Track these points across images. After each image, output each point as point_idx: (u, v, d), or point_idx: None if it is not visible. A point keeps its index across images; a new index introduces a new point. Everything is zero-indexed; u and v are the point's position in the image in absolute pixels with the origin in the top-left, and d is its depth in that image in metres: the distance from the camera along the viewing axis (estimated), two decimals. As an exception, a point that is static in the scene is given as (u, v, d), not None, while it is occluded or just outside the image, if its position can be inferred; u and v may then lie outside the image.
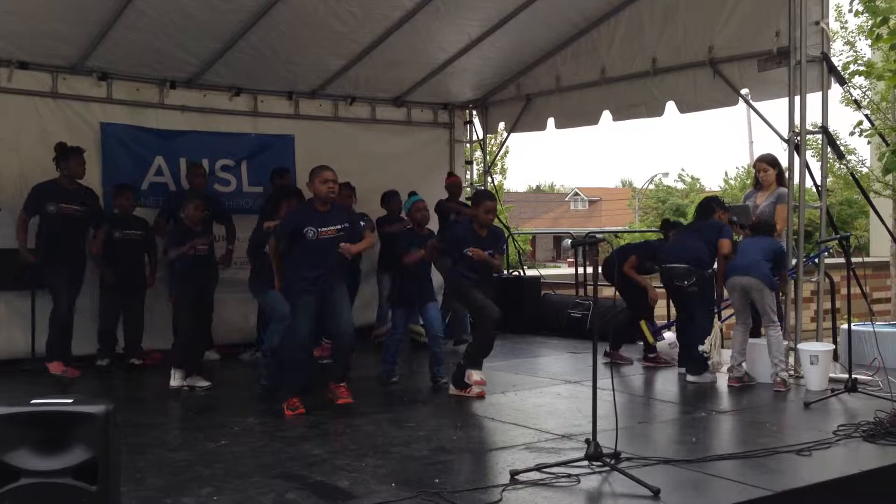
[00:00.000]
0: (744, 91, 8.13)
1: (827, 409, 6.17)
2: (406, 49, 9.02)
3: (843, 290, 10.33)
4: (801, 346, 7.05)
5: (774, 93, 7.88)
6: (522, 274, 11.28)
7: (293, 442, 5.28)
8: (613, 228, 33.82)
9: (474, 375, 6.53)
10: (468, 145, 11.28)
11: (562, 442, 5.27)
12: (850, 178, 4.84)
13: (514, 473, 4.46)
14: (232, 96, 9.28)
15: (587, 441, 4.59)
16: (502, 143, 11.99)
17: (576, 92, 9.64)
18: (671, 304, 8.26)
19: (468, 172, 11.21)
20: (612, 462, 4.53)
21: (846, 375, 6.60)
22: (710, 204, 7.79)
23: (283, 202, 7.09)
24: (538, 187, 67.20)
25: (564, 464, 4.59)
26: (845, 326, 8.00)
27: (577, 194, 50.90)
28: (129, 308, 8.13)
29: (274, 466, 4.71)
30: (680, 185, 43.82)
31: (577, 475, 4.45)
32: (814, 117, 7.57)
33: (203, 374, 7.14)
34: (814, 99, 7.40)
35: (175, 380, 6.98)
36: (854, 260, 8.09)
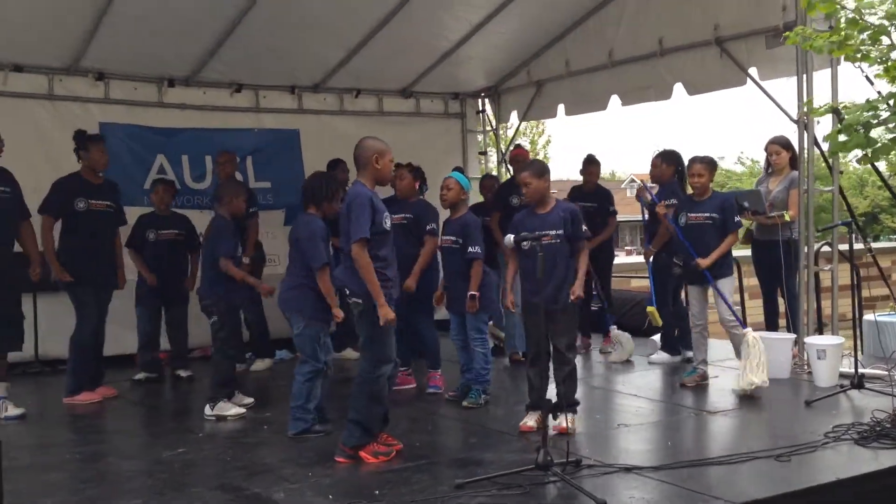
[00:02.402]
0: (752, 70, 7.71)
1: (828, 407, 5.79)
2: (406, 39, 8.80)
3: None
4: (808, 339, 6.67)
5: (783, 71, 7.48)
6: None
7: (250, 449, 5.15)
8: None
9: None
10: (481, 135, 10.98)
11: (531, 447, 5.01)
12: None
13: (460, 484, 4.24)
14: (233, 92, 9.17)
15: (537, 449, 4.34)
16: (515, 132, 11.65)
17: (585, 76, 9.30)
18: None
19: (482, 163, 10.94)
20: (563, 471, 4.28)
21: (864, 371, 6.23)
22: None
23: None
24: (595, 174, 66.03)
25: (516, 473, 4.35)
26: (870, 317, 7.61)
27: (633, 181, 49.85)
28: (170, 319, 7.58)
29: (217, 476, 4.58)
30: (739, 169, 42.64)
31: (527, 485, 4.22)
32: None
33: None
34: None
35: (231, 410, 6.01)
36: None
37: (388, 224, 4.91)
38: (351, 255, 4.79)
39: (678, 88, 8.43)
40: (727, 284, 6.66)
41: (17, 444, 5.51)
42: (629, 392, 6.56)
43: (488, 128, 10.89)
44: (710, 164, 6.73)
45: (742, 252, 9.65)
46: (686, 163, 7.06)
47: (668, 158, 7.68)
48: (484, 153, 10.97)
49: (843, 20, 4.26)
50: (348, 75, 9.42)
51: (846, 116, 4.43)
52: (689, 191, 6.96)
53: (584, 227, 5.42)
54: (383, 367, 4.87)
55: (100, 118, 8.54)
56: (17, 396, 6.37)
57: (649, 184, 7.75)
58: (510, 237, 4.92)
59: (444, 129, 10.57)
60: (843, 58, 4.55)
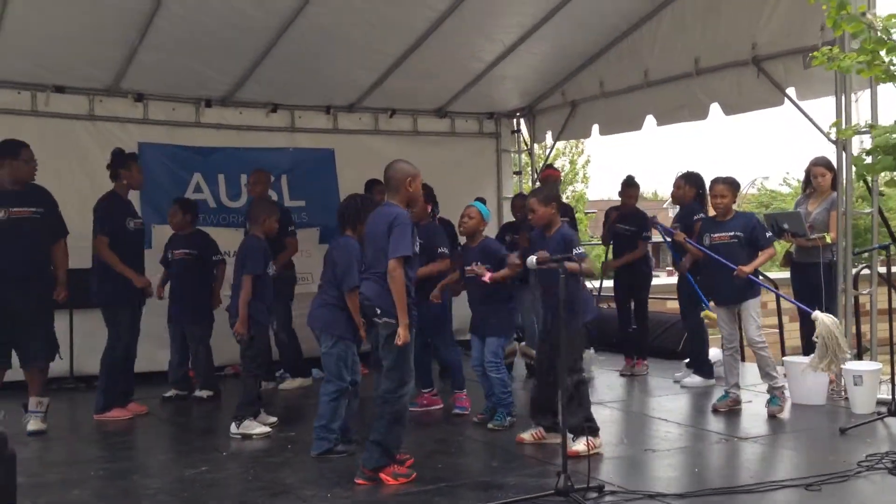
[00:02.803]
0: (789, 90, 7.60)
1: (864, 435, 5.62)
2: (440, 60, 8.83)
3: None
4: (844, 365, 6.49)
5: (821, 91, 7.32)
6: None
7: (272, 468, 5.14)
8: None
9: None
10: (516, 155, 10.95)
11: (555, 472, 4.94)
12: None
13: (478, 508, 4.20)
14: (269, 112, 9.27)
15: (557, 473, 4.28)
16: (549, 151, 11.61)
17: (619, 96, 9.25)
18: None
19: (517, 182, 10.91)
20: (583, 497, 4.21)
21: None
22: None
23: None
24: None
25: (536, 498, 4.29)
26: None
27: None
28: (191, 338, 7.52)
29: (238, 496, 4.60)
30: (785, 189, 41.85)
31: (546, 511, 4.16)
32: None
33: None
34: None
35: (257, 428, 6.04)
36: None
37: (417, 248, 4.94)
38: (377, 272, 4.80)
39: (714, 108, 8.34)
40: (754, 305, 6.54)
41: (46, 460, 5.63)
42: (658, 416, 6.45)
43: (523, 147, 10.87)
44: (732, 185, 6.65)
45: (781, 274, 9.47)
46: (708, 184, 7.00)
47: (690, 180, 7.71)
48: (519, 173, 10.94)
49: (870, 40, 4.16)
50: (383, 95, 9.47)
51: (874, 138, 4.33)
52: (712, 212, 6.89)
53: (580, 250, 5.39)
54: (406, 388, 4.85)
55: (139, 138, 8.68)
56: (50, 411, 6.44)
57: (666, 204, 7.76)
58: (532, 259, 4.91)
59: (479, 148, 10.57)
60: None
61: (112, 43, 7.67)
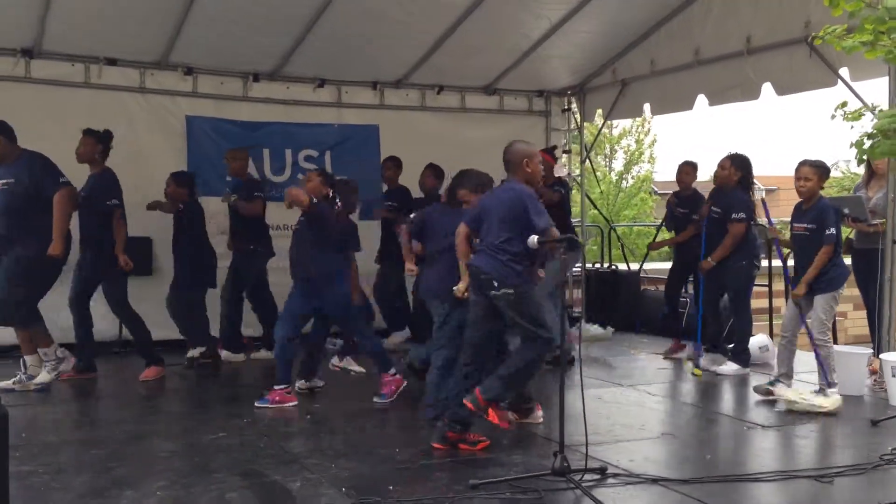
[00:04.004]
0: (842, 70, 7.31)
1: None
2: (486, 36, 8.74)
3: None
4: (883, 355, 6.27)
5: (875, 71, 7.03)
6: (627, 267, 10.77)
7: (286, 437, 5.23)
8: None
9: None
10: (567, 133, 10.79)
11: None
12: None
13: (474, 485, 4.19)
14: (316, 87, 9.32)
15: (555, 454, 4.24)
16: (599, 130, 11.41)
17: (670, 75, 9.03)
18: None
19: (566, 161, 10.76)
20: (581, 478, 4.16)
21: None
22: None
23: None
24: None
25: (533, 477, 4.26)
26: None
27: (759, 188, 47.94)
28: (188, 303, 7.72)
29: (245, 463, 4.66)
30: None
31: (543, 490, 4.12)
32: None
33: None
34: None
35: (355, 366, 7.05)
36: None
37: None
38: (492, 244, 4.93)
39: (766, 88, 8.09)
40: (822, 302, 6.26)
41: (78, 421, 5.86)
42: (686, 401, 6.35)
43: (573, 125, 10.71)
44: (819, 169, 6.31)
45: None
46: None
47: (737, 162, 7.44)
48: (568, 152, 10.80)
49: (869, 18, 3.94)
50: (430, 71, 9.43)
51: (875, 121, 4.14)
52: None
53: None
54: (553, 343, 4.92)
55: (187, 111, 8.87)
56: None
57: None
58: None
59: (528, 126, 10.39)
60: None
61: (161, 16, 7.78)
